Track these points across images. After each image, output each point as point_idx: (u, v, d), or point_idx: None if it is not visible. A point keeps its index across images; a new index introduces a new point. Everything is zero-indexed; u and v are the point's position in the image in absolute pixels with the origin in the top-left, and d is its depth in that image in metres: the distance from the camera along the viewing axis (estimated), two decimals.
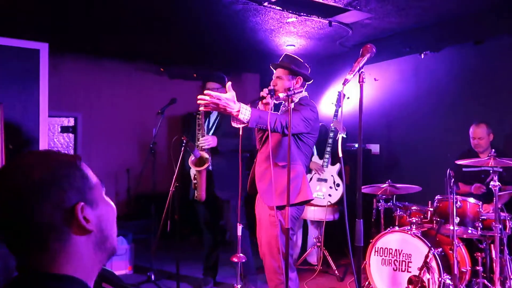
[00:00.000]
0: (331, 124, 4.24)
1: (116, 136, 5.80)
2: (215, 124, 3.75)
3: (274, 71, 2.84)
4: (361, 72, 1.93)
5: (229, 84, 2.32)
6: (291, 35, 4.59)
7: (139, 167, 4.55)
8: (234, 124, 2.38)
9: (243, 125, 2.38)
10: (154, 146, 4.00)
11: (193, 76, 6.20)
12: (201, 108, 2.33)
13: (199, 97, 2.27)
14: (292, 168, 2.61)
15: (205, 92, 2.27)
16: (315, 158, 4.41)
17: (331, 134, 4.22)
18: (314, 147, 4.43)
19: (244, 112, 2.32)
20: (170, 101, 4.10)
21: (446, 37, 4.35)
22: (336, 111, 4.30)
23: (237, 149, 3.71)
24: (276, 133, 2.50)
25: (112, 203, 0.91)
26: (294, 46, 4.98)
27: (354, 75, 1.91)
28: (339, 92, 4.29)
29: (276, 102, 2.74)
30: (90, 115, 5.64)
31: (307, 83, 2.84)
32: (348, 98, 4.23)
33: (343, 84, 1.87)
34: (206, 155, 3.52)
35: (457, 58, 4.43)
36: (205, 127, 3.74)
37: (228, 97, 2.27)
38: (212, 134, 3.68)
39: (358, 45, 4.84)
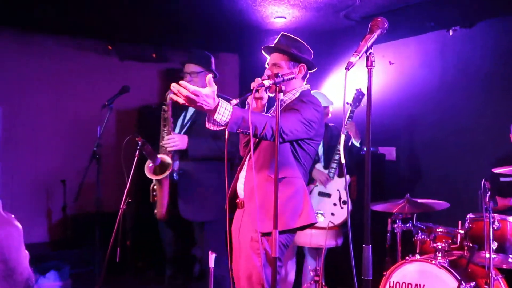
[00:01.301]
0: (345, 127, 4.27)
1: (49, 136, 5.72)
2: (191, 120, 3.72)
3: (268, 56, 2.84)
4: (370, 53, 1.95)
5: (209, 77, 2.29)
6: (280, 4, 4.60)
7: (78, 177, 4.47)
8: (209, 126, 2.36)
9: (220, 128, 2.36)
10: (99, 150, 3.96)
11: (152, 57, 6.16)
12: (171, 96, 2.29)
13: (173, 85, 2.25)
14: (290, 182, 2.64)
15: (181, 82, 2.23)
16: (319, 166, 4.43)
17: (343, 139, 4.25)
18: (322, 154, 4.46)
19: (222, 112, 2.30)
20: (120, 89, 4.08)
21: (481, 8, 4.40)
22: (352, 112, 4.35)
23: (214, 156, 3.72)
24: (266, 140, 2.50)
25: (15, 221, 0.88)
26: (285, 18, 4.99)
27: (360, 57, 1.92)
28: (357, 89, 4.36)
29: (271, 95, 2.75)
30: (14, 108, 5.55)
31: (309, 72, 2.87)
32: None
33: (346, 68, 1.89)
34: (168, 160, 3.50)
35: (494, 35, 4.49)
36: (179, 123, 3.70)
37: (207, 93, 2.25)
38: (184, 133, 3.65)
39: (367, 18, 4.87)
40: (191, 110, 3.74)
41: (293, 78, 2.57)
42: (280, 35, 2.85)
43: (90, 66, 5.93)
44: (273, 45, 2.83)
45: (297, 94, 2.78)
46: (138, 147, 3.31)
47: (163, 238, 3.85)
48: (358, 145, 4.38)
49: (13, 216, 0.90)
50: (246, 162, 2.81)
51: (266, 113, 2.88)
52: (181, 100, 2.25)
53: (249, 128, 2.33)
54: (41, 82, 5.68)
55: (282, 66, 2.75)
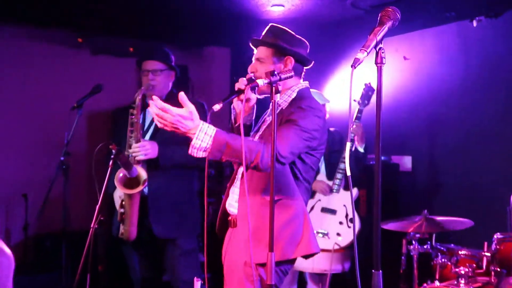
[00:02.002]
0: (351, 130, 4.28)
1: (8, 142, 5.70)
2: (154, 125, 3.74)
3: (255, 50, 2.85)
4: (380, 48, 1.95)
5: (182, 94, 2.26)
6: None
7: (42, 191, 4.47)
8: (191, 153, 2.34)
9: (202, 156, 2.34)
10: (66, 159, 3.95)
11: (129, 51, 6.16)
12: (151, 102, 2.27)
13: (150, 103, 2.25)
14: (286, 205, 2.65)
15: (152, 101, 2.24)
16: (322, 176, 4.42)
17: (348, 146, 4.26)
18: (323, 161, 4.46)
19: (202, 136, 2.29)
20: (92, 88, 4.08)
21: None
22: (360, 111, 4.36)
23: (188, 165, 3.73)
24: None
25: (5, 248, 0.89)
26: (284, 6, 5.00)
27: (368, 53, 1.92)
28: (366, 84, 4.37)
29: (259, 97, 2.74)
30: None
31: (305, 68, 2.87)
32: None
33: (352, 66, 1.88)
34: (143, 173, 3.52)
35: None
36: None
37: (182, 113, 2.23)
38: (150, 139, 3.67)
39: (377, 7, 4.88)
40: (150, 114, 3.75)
41: (291, 76, 2.56)
42: (268, 26, 2.86)
43: (57, 61, 5.92)
44: (259, 38, 2.83)
45: (294, 95, 2.77)
46: (112, 156, 3.30)
47: (129, 264, 3.88)
48: (362, 150, 4.36)
49: (3, 244, 0.90)
50: (238, 177, 2.81)
51: (258, 118, 2.88)
52: (160, 124, 2.28)
53: (237, 156, 2.34)
54: None
55: (265, 61, 2.76)
